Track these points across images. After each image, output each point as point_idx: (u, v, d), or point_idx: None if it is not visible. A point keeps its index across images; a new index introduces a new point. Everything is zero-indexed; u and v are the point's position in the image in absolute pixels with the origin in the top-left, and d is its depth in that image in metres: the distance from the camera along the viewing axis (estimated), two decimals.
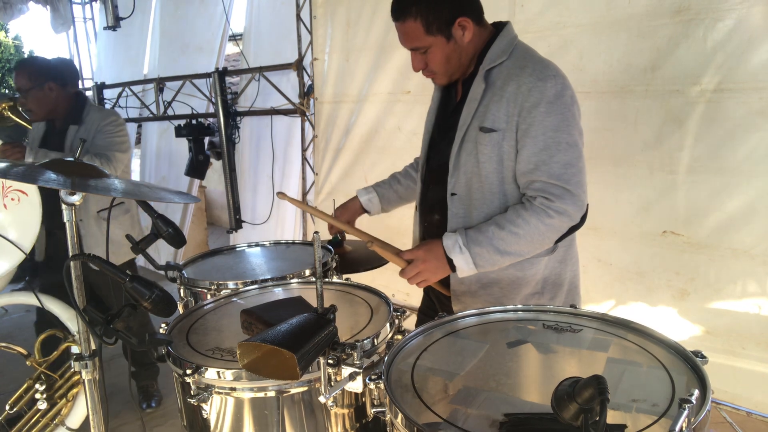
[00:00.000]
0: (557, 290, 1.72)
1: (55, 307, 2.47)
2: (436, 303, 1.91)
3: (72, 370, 2.43)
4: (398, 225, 3.68)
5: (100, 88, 6.38)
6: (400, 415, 0.97)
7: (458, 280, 1.70)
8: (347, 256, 2.54)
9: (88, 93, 6.34)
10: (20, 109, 3.33)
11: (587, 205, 1.59)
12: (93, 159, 2.81)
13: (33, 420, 2.50)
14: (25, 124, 3.48)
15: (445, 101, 1.80)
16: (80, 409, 2.50)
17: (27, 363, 2.41)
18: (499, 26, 1.65)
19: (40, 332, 2.58)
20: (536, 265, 1.68)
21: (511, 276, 1.68)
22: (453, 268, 1.60)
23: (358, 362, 1.14)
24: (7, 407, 2.45)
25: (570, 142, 1.52)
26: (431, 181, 1.80)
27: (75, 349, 1.52)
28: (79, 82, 3.27)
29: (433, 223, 1.79)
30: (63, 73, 2.97)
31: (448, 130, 1.70)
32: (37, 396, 2.39)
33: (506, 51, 1.59)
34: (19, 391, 2.46)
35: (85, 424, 1.57)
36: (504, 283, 1.69)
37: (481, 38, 1.63)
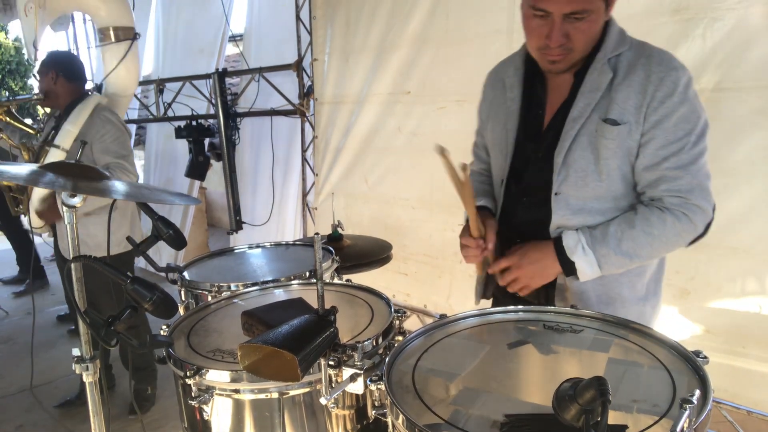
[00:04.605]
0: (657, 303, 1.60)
1: None
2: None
3: None
4: (396, 225, 3.69)
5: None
6: (401, 417, 0.97)
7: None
8: (346, 250, 2.55)
9: None
10: (14, 111, 3.41)
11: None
12: (113, 173, 2.84)
13: None
14: (23, 127, 3.51)
15: (528, 100, 1.60)
16: None
17: None
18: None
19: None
20: (642, 277, 1.55)
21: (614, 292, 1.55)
22: (570, 271, 1.46)
23: (359, 363, 1.14)
24: None
25: (699, 133, 1.41)
26: (520, 190, 1.61)
27: (76, 352, 1.52)
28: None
29: (525, 234, 1.59)
30: (65, 65, 3.09)
31: (540, 129, 1.55)
32: None
33: (623, 41, 1.46)
34: None
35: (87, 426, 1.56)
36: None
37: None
